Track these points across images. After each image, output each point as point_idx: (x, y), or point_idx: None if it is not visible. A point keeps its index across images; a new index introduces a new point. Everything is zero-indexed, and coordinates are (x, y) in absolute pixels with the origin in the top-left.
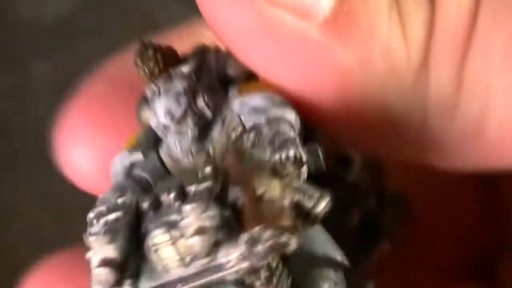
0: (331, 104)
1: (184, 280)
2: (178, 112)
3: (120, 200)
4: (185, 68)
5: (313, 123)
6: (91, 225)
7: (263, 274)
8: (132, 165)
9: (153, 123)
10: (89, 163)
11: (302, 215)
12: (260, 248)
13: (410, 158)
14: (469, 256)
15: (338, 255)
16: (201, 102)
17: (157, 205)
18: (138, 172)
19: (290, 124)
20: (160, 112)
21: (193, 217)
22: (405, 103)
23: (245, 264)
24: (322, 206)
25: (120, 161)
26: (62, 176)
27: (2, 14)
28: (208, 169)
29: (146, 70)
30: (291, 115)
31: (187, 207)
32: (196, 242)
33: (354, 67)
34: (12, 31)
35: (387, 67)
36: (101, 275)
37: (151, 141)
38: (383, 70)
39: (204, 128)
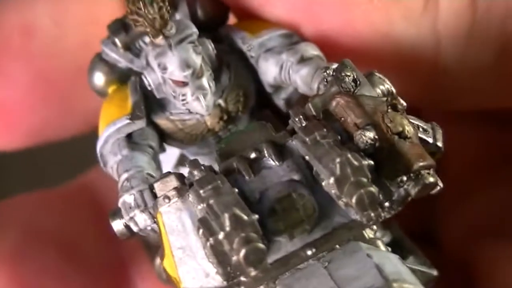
0: (334, 34)
1: (312, 245)
2: (197, 64)
3: (197, 172)
4: (182, 14)
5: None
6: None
7: None
8: (128, 136)
9: (152, 82)
10: None
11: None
12: (406, 193)
13: (425, 99)
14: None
15: None
16: (210, 50)
17: (251, 167)
18: (141, 140)
19: (322, 59)
20: (177, 67)
21: (345, 170)
22: (412, 32)
23: (383, 215)
24: (441, 138)
25: (117, 133)
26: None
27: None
28: (300, 118)
29: (157, 18)
30: (317, 50)
31: (335, 160)
32: (360, 197)
33: None
34: None
35: None
36: (251, 254)
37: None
38: None
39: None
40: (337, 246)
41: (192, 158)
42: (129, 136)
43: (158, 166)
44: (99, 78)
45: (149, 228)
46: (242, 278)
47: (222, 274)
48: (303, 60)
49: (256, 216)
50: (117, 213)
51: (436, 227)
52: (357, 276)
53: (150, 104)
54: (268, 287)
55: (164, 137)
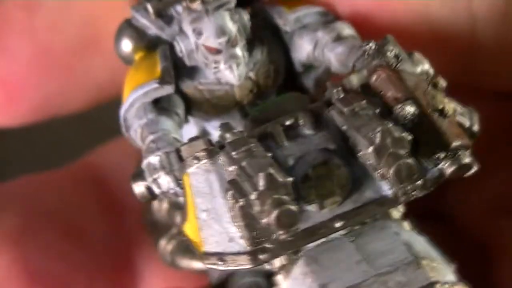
0: (368, 12)
1: (341, 217)
2: (232, 32)
3: (229, 135)
4: None
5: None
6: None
7: None
8: (155, 101)
9: (184, 49)
10: None
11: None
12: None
13: (459, 78)
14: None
15: None
16: (246, 21)
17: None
18: (168, 106)
19: (355, 38)
20: (213, 33)
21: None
22: (447, 10)
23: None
24: (477, 123)
25: (144, 97)
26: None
27: None
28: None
29: None
30: (352, 30)
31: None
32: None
33: None
34: None
35: None
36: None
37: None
38: None
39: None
40: (367, 221)
41: (214, 132)
42: (155, 102)
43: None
44: (126, 44)
45: (172, 191)
46: (267, 245)
47: (248, 238)
48: (339, 38)
49: (291, 179)
50: (139, 175)
51: (451, 203)
52: (385, 251)
53: (179, 72)
54: (290, 259)
55: (188, 108)
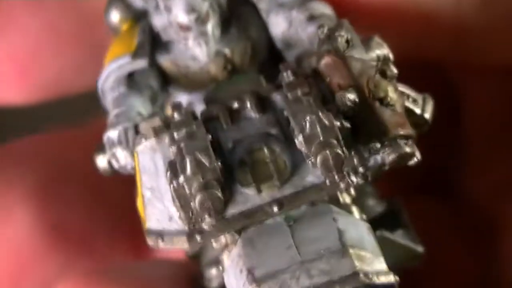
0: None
1: (279, 201)
2: (202, 9)
3: (177, 114)
4: None
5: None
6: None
7: None
8: (131, 74)
9: (159, 24)
10: None
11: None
12: (382, 160)
13: (451, 55)
14: (424, 173)
15: None
16: None
17: (231, 115)
18: (141, 80)
19: (332, 20)
20: (181, 10)
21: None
22: None
23: (356, 180)
24: (430, 110)
25: (118, 70)
26: None
27: None
28: (288, 73)
29: None
30: (328, 9)
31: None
32: (324, 157)
33: None
34: None
35: None
36: (206, 200)
37: (151, 46)
38: None
39: (221, 28)
40: (306, 206)
41: (199, 105)
42: (130, 75)
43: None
44: (114, 15)
45: (129, 166)
46: (204, 226)
47: (184, 218)
48: (312, 18)
49: (219, 164)
50: (101, 148)
51: (463, 179)
52: (317, 238)
53: (158, 46)
54: (233, 240)
55: (167, 82)
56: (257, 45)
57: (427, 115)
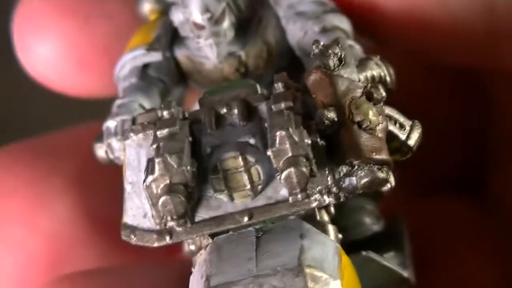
0: (385, 9)
1: (250, 212)
2: (217, 9)
3: (166, 113)
4: None
5: (368, 28)
6: (126, 137)
7: None
8: (146, 65)
9: (177, 19)
10: (51, 51)
11: (395, 148)
12: (355, 183)
13: (482, 61)
14: (452, 172)
15: None
16: (240, 0)
17: (217, 120)
18: (154, 73)
19: (345, 33)
20: (196, 8)
21: (284, 144)
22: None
23: (328, 200)
24: (415, 138)
25: (133, 60)
26: None
27: (2, 14)
28: (279, 85)
29: None
30: (344, 23)
31: (276, 133)
32: (288, 174)
33: None
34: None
35: None
36: (169, 203)
37: (169, 39)
38: None
39: (238, 30)
40: (275, 219)
41: None
42: (145, 67)
43: (179, 104)
44: (144, 5)
45: (122, 158)
46: (176, 227)
47: (156, 217)
48: (324, 30)
49: (189, 168)
50: (100, 138)
51: (489, 178)
52: (278, 253)
53: (177, 40)
54: (208, 241)
55: (184, 76)
56: (274, 50)
57: (411, 142)
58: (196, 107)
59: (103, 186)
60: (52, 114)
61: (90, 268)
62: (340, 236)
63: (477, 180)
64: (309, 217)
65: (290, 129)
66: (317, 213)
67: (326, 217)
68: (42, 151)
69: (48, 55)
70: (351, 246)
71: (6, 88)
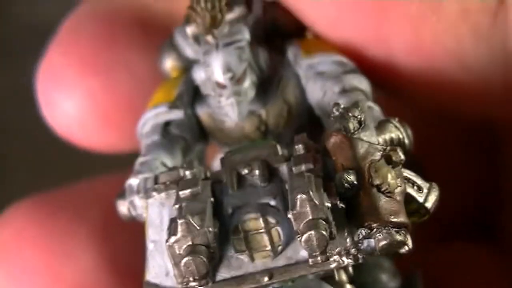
0: (403, 56)
1: (270, 272)
2: (239, 69)
3: (188, 173)
4: (235, 16)
5: (386, 84)
6: (149, 196)
7: None
8: (167, 123)
9: (199, 78)
10: (75, 108)
11: (413, 209)
12: (374, 245)
13: (497, 113)
14: (467, 219)
15: None
16: (262, 60)
17: (238, 181)
18: (176, 130)
19: (364, 94)
20: (218, 68)
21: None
22: (482, 49)
23: (347, 261)
24: (433, 200)
25: (155, 118)
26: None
27: (1, 15)
28: (300, 147)
29: (207, 17)
30: (364, 84)
31: (297, 196)
32: (308, 237)
33: (425, 10)
34: (11, 32)
35: (460, 9)
36: (191, 264)
37: (191, 97)
38: (456, 13)
39: (259, 88)
40: (294, 279)
41: None
42: (167, 124)
43: (200, 160)
44: (166, 62)
45: (145, 215)
46: (197, 287)
47: (177, 276)
48: (344, 91)
49: (211, 229)
50: (123, 195)
51: (504, 223)
52: None
53: (199, 98)
54: None
55: (206, 134)
56: (294, 109)
57: (428, 205)
58: (217, 162)
59: (125, 237)
60: None
61: None
62: None
63: (491, 225)
64: (328, 277)
65: (311, 193)
66: (335, 273)
67: (344, 277)
68: (65, 202)
69: (72, 111)
70: None
71: (6, 89)
